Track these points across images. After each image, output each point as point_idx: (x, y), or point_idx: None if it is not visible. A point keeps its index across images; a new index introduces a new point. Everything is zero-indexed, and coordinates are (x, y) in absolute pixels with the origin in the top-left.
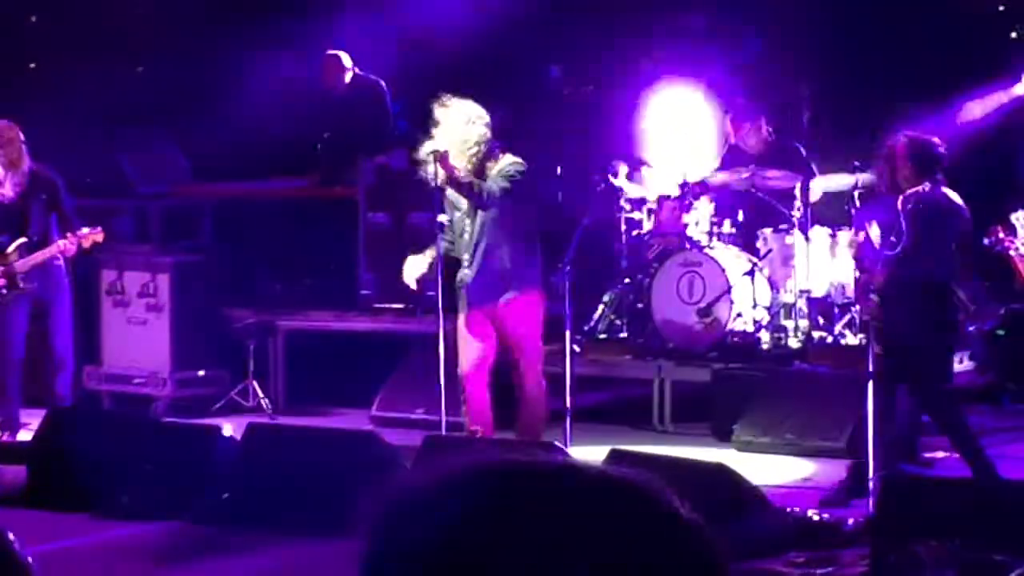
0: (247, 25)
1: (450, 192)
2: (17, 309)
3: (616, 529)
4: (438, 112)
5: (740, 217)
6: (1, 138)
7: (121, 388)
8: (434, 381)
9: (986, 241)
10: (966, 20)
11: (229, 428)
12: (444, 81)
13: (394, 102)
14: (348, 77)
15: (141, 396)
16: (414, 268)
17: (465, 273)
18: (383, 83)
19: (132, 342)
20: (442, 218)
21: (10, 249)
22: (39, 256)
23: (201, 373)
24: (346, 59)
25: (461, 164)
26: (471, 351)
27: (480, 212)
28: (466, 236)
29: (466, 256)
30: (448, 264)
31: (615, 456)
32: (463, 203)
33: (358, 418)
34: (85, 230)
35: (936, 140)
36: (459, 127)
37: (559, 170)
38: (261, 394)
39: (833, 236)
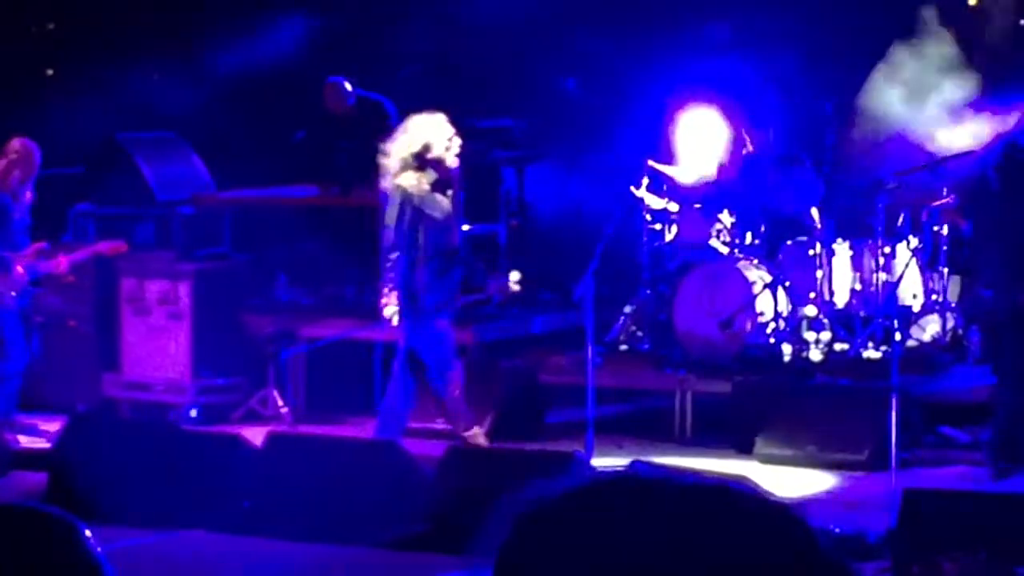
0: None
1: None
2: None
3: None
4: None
5: (762, 229)
6: (19, 155)
7: (141, 396)
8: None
9: None
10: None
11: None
12: (462, 94)
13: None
14: (350, 100)
15: (161, 404)
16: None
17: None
18: (387, 101)
19: (152, 350)
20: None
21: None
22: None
23: (221, 381)
24: (347, 84)
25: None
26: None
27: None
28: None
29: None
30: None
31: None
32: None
33: None
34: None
35: None
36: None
37: (581, 182)
38: (281, 402)
39: (856, 249)
